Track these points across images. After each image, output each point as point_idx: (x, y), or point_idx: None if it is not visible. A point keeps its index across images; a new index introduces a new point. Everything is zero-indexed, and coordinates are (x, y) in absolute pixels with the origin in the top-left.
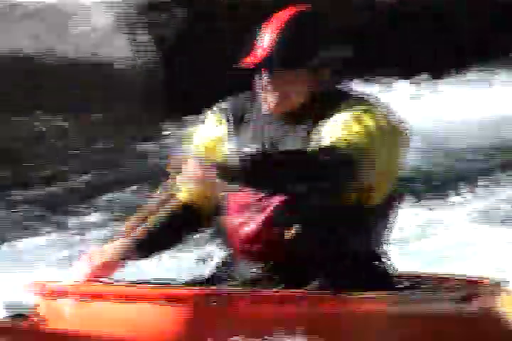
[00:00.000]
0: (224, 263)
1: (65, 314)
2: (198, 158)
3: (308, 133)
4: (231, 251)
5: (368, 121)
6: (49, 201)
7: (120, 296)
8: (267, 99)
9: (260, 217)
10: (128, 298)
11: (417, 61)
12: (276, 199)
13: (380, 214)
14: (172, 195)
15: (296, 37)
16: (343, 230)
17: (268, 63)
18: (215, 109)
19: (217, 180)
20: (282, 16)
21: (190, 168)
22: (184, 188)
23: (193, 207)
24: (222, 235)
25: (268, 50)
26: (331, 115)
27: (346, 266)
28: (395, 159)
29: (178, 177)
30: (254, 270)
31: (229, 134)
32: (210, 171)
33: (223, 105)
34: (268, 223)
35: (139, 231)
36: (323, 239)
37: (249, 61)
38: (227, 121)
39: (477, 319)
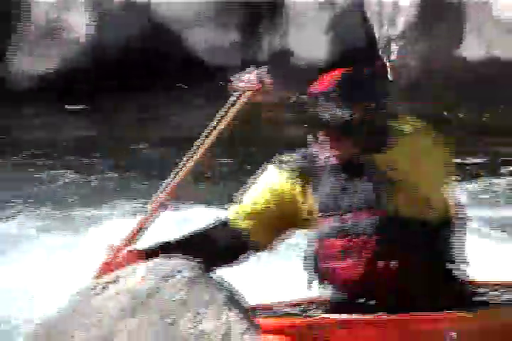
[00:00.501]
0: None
1: None
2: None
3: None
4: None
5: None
6: None
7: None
8: (326, 154)
9: (363, 259)
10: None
11: None
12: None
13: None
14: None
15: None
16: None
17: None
18: (284, 164)
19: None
20: (329, 77)
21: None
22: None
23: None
24: (319, 275)
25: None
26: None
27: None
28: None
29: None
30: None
31: (304, 183)
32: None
33: (292, 163)
34: (371, 262)
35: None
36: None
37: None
38: (298, 172)
39: None
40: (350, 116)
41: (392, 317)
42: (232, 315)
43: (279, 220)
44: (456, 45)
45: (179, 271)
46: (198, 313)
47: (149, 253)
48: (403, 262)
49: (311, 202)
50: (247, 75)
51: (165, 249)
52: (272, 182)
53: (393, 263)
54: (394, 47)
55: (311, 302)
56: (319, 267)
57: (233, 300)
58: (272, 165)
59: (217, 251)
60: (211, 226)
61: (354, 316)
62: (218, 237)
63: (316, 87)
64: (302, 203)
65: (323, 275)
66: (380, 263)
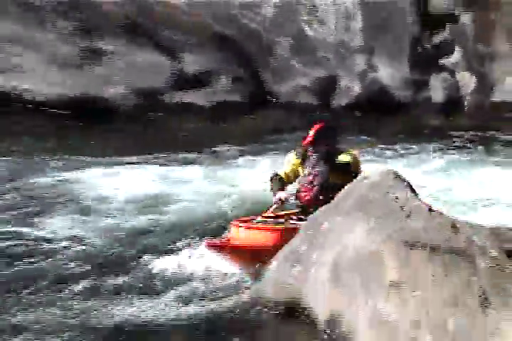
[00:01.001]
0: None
1: (239, 236)
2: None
3: (326, 163)
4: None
5: (352, 155)
6: None
7: (257, 229)
8: (312, 153)
9: (314, 190)
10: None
11: None
12: (318, 182)
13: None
14: (280, 175)
15: (322, 134)
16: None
17: (312, 143)
18: (294, 152)
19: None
20: (317, 126)
21: (287, 168)
22: (284, 173)
23: (284, 178)
24: (298, 197)
25: (312, 138)
26: (336, 156)
27: None
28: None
29: (282, 170)
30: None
31: (301, 162)
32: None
33: (297, 151)
34: (316, 192)
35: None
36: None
37: (306, 142)
38: (300, 158)
39: None
40: (324, 148)
41: None
42: (407, 194)
43: (292, 175)
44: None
45: (386, 176)
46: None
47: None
48: (329, 197)
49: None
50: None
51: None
52: (291, 160)
53: (322, 197)
54: (469, 99)
55: (287, 214)
56: (299, 196)
57: (412, 189)
58: (291, 153)
59: (280, 182)
60: (277, 174)
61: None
62: (278, 178)
63: (312, 130)
64: (300, 169)
65: (300, 199)
66: (320, 197)
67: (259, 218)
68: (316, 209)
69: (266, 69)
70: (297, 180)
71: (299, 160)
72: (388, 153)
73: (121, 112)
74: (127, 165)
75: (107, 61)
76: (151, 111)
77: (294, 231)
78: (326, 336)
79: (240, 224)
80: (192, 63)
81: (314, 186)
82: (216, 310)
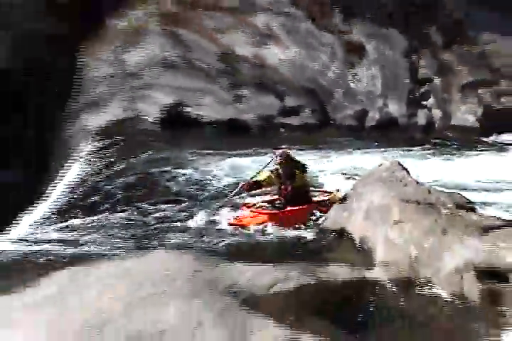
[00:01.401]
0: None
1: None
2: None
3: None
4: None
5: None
6: None
7: (255, 212)
8: (280, 169)
9: (289, 194)
10: (256, 212)
11: None
12: (289, 189)
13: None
14: (258, 180)
15: (283, 157)
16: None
17: (276, 158)
18: (270, 169)
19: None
20: (279, 150)
21: (264, 176)
22: (262, 178)
23: (262, 183)
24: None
25: (279, 161)
26: (295, 166)
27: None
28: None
29: (261, 178)
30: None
31: (277, 176)
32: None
33: (271, 168)
34: (291, 195)
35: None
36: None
37: (276, 162)
38: (275, 173)
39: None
40: (286, 166)
41: (297, 207)
42: (404, 174)
43: (269, 182)
44: (449, 119)
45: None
46: (400, 178)
47: (250, 183)
48: (300, 197)
49: (277, 180)
50: (277, 153)
51: (250, 183)
52: (267, 175)
53: (298, 196)
54: (438, 123)
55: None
56: (282, 197)
57: (407, 171)
58: (267, 169)
59: (258, 185)
60: (256, 178)
61: (288, 209)
62: (257, 182)
63: (276, 155)
64: (275, 179)
65: (284, 199)
66: (290, 194)
67: (259, 204)
68: (294, 202)
69: (329, 105)
70: (277, 188)
71: (273, 175)
72: (385, 152)
73: (251, 129)
74: (235, 157)
75: (245, 101)
76: (267, 129)
77: (275, 215)
78: (360, 249)
79: (246, 208)
80: (290, 102)
81: (288, 191)
82: (295, 236)
